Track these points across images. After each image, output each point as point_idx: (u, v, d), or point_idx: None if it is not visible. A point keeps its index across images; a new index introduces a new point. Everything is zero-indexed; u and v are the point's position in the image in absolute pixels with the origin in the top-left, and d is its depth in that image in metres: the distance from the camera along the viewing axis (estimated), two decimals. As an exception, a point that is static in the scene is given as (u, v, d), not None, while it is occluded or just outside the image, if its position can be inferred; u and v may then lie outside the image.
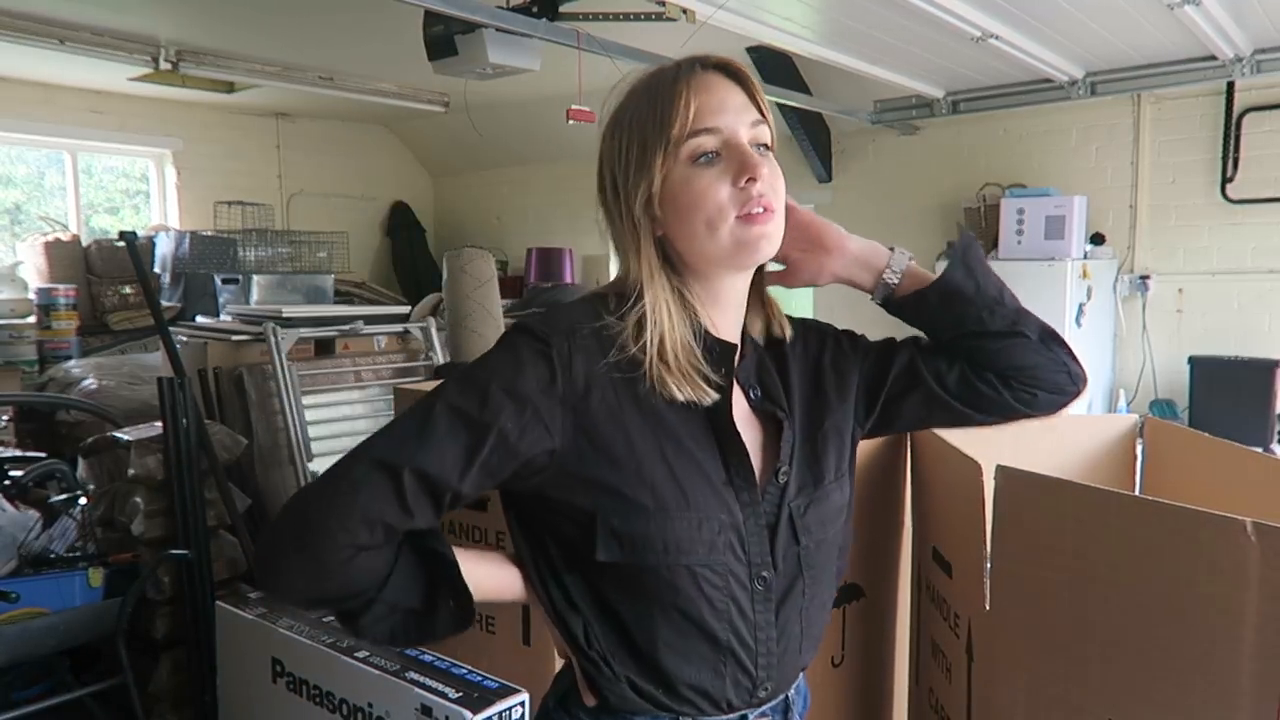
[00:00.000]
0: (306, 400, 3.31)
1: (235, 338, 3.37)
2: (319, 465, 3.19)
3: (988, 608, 1.21)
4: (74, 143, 6.14)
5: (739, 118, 0.88)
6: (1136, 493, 1.60)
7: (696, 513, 0.87)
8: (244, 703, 2.01)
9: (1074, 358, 1.03)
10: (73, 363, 4.14)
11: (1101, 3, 3.57)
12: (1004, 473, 1.09)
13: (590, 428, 0.86)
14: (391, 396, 2.91)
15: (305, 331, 3.43)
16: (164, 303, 5.19)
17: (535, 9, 3.50)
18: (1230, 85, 4.48)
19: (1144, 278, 4.87)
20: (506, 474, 0.86)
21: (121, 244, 3.03)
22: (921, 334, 1.08)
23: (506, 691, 1.53)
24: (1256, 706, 0.93)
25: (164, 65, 4.75)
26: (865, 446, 1.14)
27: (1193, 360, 4.51)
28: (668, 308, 0.89)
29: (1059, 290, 4.49)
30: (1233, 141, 4.55)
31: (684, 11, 3.35)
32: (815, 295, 6.03)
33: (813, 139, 5.68)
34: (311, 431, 3.25)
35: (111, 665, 2.42)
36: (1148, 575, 1.02)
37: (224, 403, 3.33)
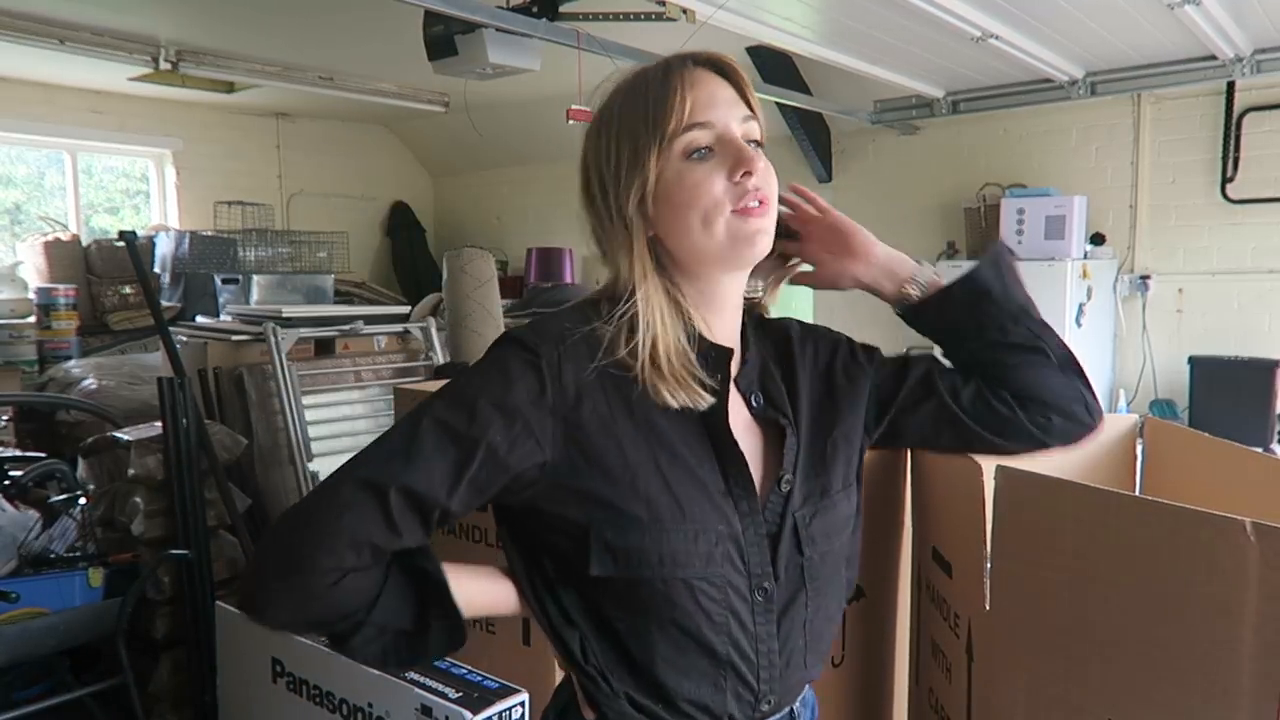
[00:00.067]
0: (306, 400, 3.31)
1: (235, 338, 3.37)
2: (319, 465, 3.19)
3: (988, 608, 1.21)
4: (74, 143, 6.14)
5: (730, 112, 0.87)
6: (1136, 493, 1.60)
7: (692, 524, 0.85)
8: (244, 703, 2.01)
9: (1092, 391, 1.00)
10: (73, 363, 4.14)
11: (1101, 3, 3.57)
12: (1004, 473, 1.09)
13: (582, 439, 0.84)
14: (391, 396, 2.91)
15: (305, 331, 3.43)
16: (164, 303, 5.19)
17: (535, 9, 3.50)
18: (1230, 85, 4.48)
19: (1144, 278, 4.87)
20: (496, 488, 0.84)
21: (121, 244, 3.03)
22: (937, 352, 1.06)
23: (506, 691, 1.53)
24: (1256, 706, 0.93)
25: (164, 65, 4.75)
26: (865, 446, 1.13)
27: (1193, 360, 4.51)
28: (660, 310, 0.87)
29: (1059, 290, 4.49)
30: (1233, 141, 4.55)
31: (684, 11, 3.36)
32: (815, 296, 6.03)
33: (813, 139, 5.68)
34: (311, 431, 3.25)
35: (111, 665, 2.42)
36: (1148, 575, 1.02)
37: (224, 403, 3.33)
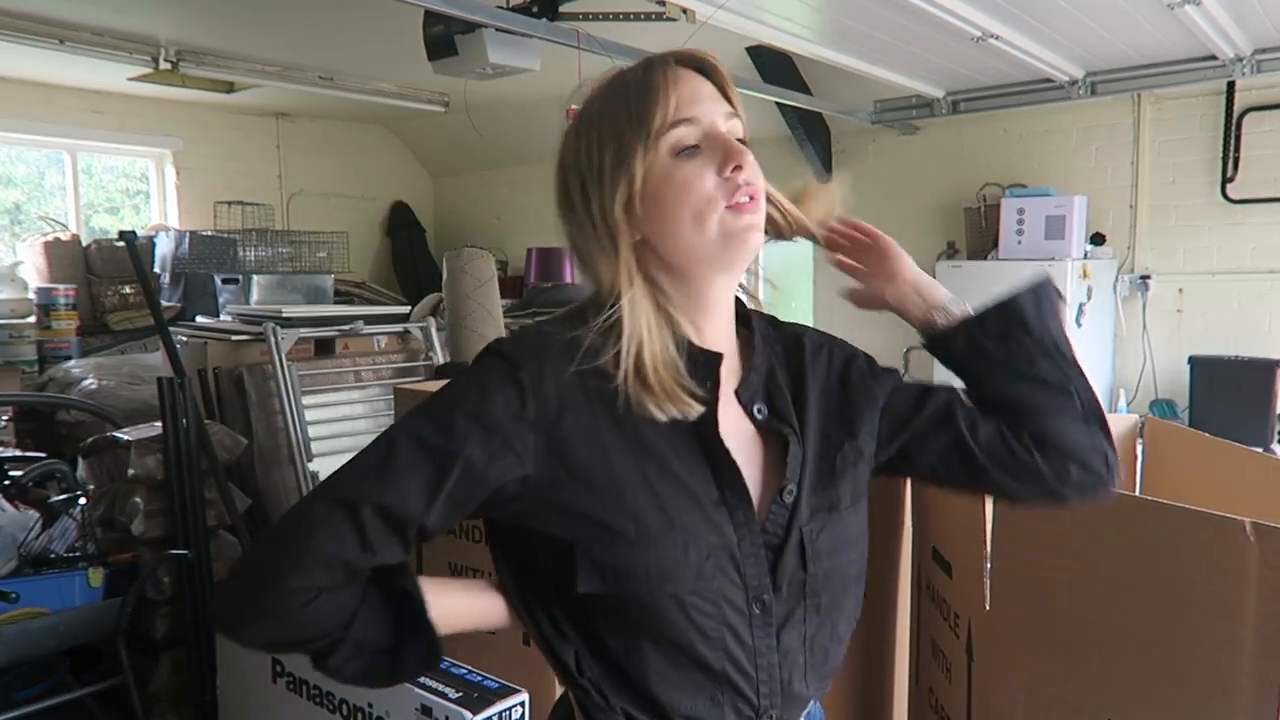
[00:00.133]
0: (306, 400, 3.31)
1: (235, 338, 3.37)
2: (319, 465, 3.19)
3: (988, 608, 1.21)
4: (74, 143, 6.13)
5: (715, 108, 0.86)
6: (1136, 493, 1.60)
7: (682, 536, 0.82)
8: (244, 703, 2.01)
9: (1113, 445, 0.95)
10: (73, 363, 4.14)
11: (1101, 3, 3.57)
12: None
13: (565, 452, 0.82)
14: (391, 396, 2.91)
15: (305, 331, 3.43)
16: (164, 303, 5.19)
17: (535, 9, 3.50)
18: (1230, 85, 4.48)
19: (1144, 278, 4.87)
20: (475, 504, 0.82)
21: (121, 244, 3.03)
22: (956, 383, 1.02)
23: (506, 691, 1.53)
24: (1256, 706, 0.93)
25: (164, 65, 4.74)
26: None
27: (1193, 360, 4.51)
28: (647, 318, 0.84)
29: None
30: (1233, 141, 4.55)
31: (684, 11, 3.35)
32: (815, 296, 6.04)
33: (813, 139, 5.67)
34: (311, 431, 3.25)
35: (111, 665, 2.42)
36: (1148, 575, 1.02)
37: (224, 403, 3.33)
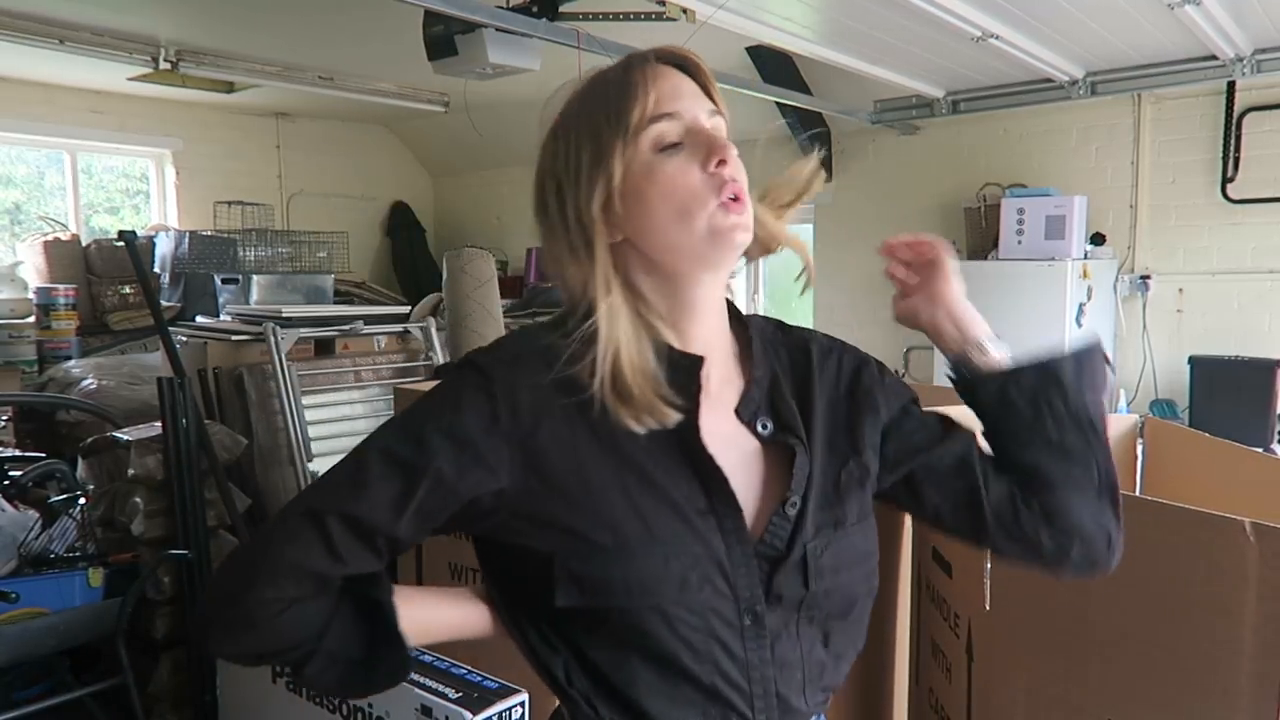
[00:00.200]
0: (306, 400, 3.32)
1: (235, 338, 3.37)
2: (319, 465, 3.19)
3: (988, 608, 1.21)
4: (74, 143, 6.14)
5: (697, 104, 0.84)
6: (1136, 493, 1.60)
7: (662, 547, 0.80)
8: (244, 703, 2.00)
9: (1120, 524, 0.91)
10: (73, 363, 4.14)
11: (1101, 3, 3.57)
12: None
13: (540, 464, 0.80)
14: (391, 396, 2.91)
15: (305, 331, 3.43)
16: (164, 303, 5.19)
17: (535, 9, 3.50)
18: (1230, 85, 4.48)
19: (1144, 278, 4.87)
20: (446, 516, 0.81)
21: (121, 244, 3.03)
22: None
23: (506, 691, 1.52)
24: (1256, 706, 0.93)
25: (164, 65, 4.75)
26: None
27: (1193, 360, 4.51)
28: (625, 326, 0.81)
29: (1059, 290, 4.49)
30: (1233, 141, 4.55)
31: (684, 11, 3.36)
32: (815, 296, 6.03)
33: (813, 139, 5.68)
34: (311, 431, 3.26)
35: (111, 665, 2.42)
36: (1148, 575, 1.02)
37: (224, 403, 3.33)
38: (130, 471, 2.56)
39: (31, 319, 5.08)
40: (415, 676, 1.60)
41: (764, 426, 0.88)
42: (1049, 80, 4.66)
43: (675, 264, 0.84)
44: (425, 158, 8.04)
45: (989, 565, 1.21)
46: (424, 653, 1.65)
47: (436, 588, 0.93)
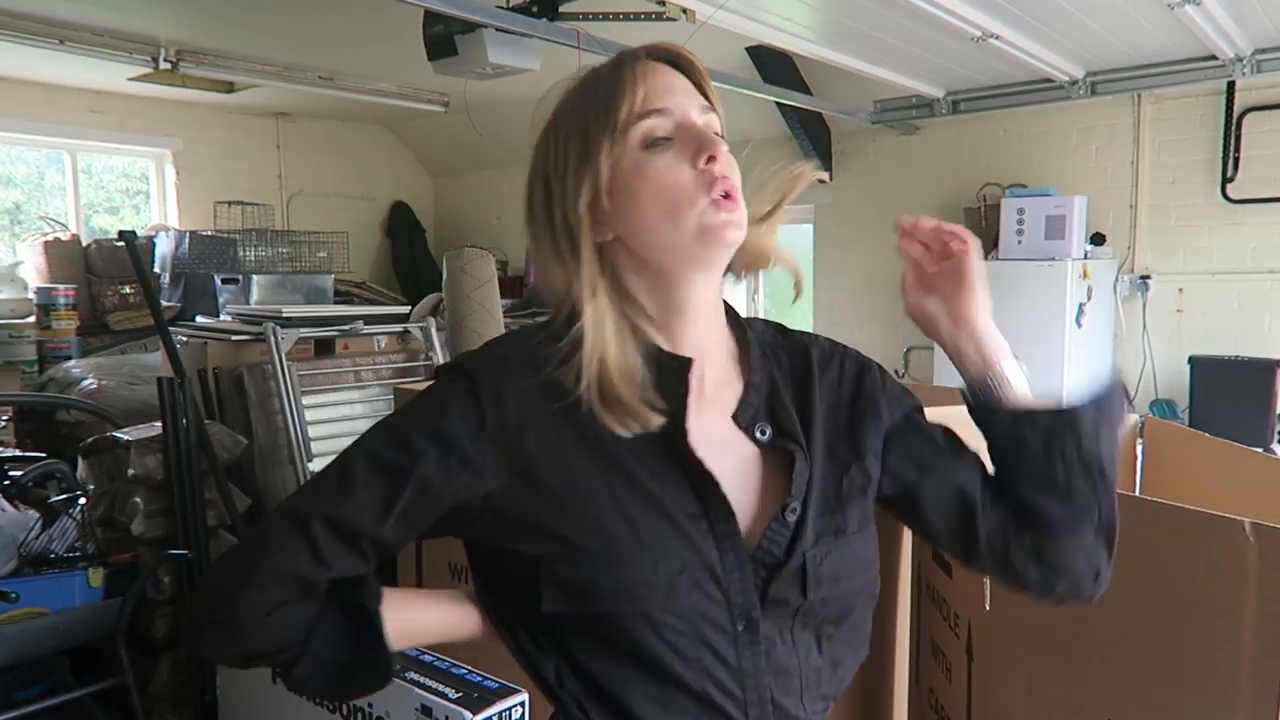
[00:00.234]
0: (306, 400, 3.31)
1: (235, 338, 3.37)
2: (319, 465, 3.19)
3: (988, 608, 1.21)
4: (74, 143, 6.14)
5: (688, 100, 0.82)
6: (1136, 493, 1.60)
7: (650, 552, 0.78)
8: (244, 703, 2.00)
9: (1111, 557, 0.89)
10: (73, 363, 4.14)
11: (1101, 3, 3.57)
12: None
13: (528, 468, 0.80)
14: (391, 396, 2.91)
15: (305, 331, 3.43)
16: (164, 303, 5.19)
17: (535, 9, 3.50)
18: (1230, 85, 4.48)
19: (1144, 278, 4.87)
20: (432, 520, 0.81)
21: (121, 244, 3.03)
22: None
23: (506, 692, 1.52)
24: (1256, 706, 0.93)
25: (164, 65, 4.75)
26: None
27: (1193, 360, 4.51)
28: (610, 329, 0.80)
29: (1059, 290, 4.49)
30: (1233, 141, 4.55)
31: (684, 11, 3.36)
32: (815, 296, 6.04)
33: (813, 139, 5.68)
34: (311, 431, 3.25)
35: (111, 665, 2.42)
36: (1147, 575, 1.02)
37: (224, 403, 3.33)
38: (130, 471, 2.56)
39: (31, 319, 5.09)
40: (415, 676, 1.60)
41: (762, 432, 0.86)
42: (1049, 80, 4.66)
43: (666, 263, 0.82)
44: (425, 158, 8.04)
45: (989, 565, 1.21)
46: (424, 653, 1.65)
47: (427, 590, 0.92)
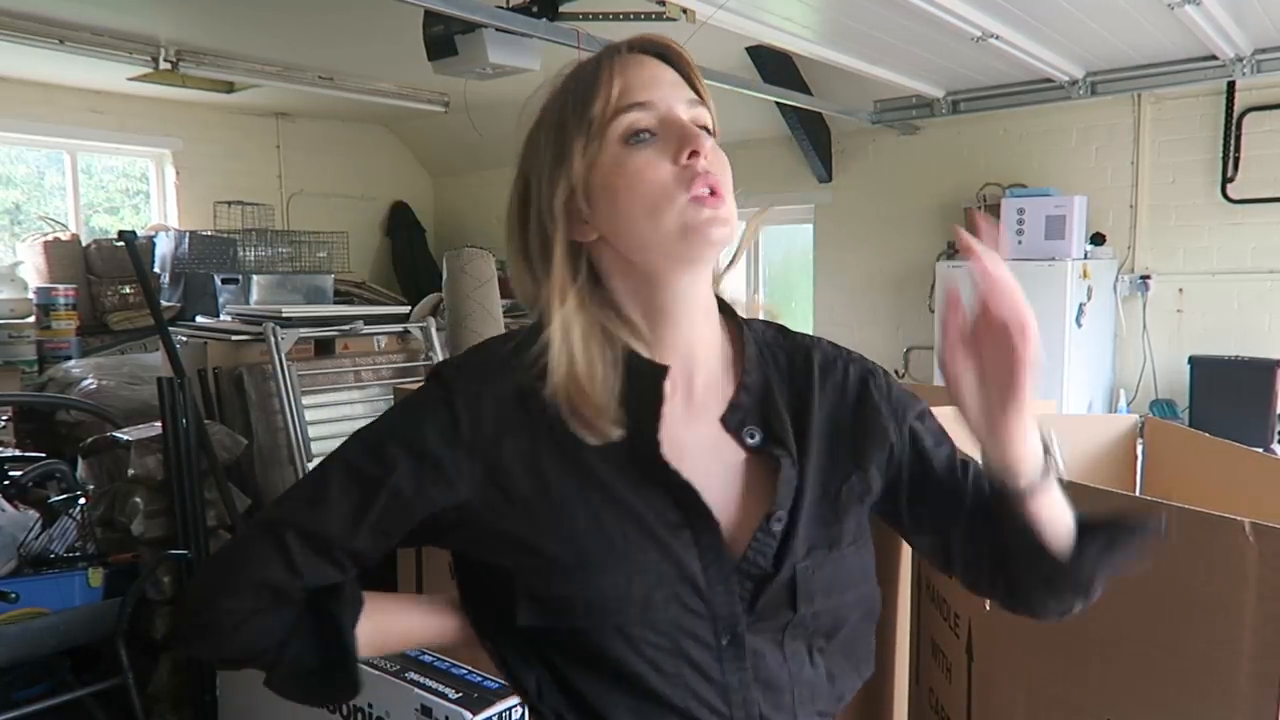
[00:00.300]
0: (306, 400, 3.31)
1: (235, 338, 3.37)
2: (319, 465, 3.19)
3: (988, 608, 1.21)
4: (74, 143, 6.14)
5: (674, 93, 0.79)
6: (1136, 493, 1.60)
7: (625, 564, 0.76)
8: (244, 703, 2.01)
9: (1087, 602, 0.85)
10: (72, 363, 4.14)
11: (1101, 3, 3.57)
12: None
13: (503, 478, 0.78)
14: (391, 396, 2.91)
15: (305, 331, 3.43)
16: (164, 303, 5.19)
17: (535, 9, 3.50)
18: (1230, 85, 4.48)
19: (1144, 278, 4.87)
20: (406, 531, 0.80)
21: (121, 244, 3.03)
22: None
23: (506, 692, 1.53)
24: (1256, 706, 0.93)
25: (164, 65, 4.75)
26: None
27: (1193, 360, 4.51)
28: (578, 333, 0.78)
29: (1059, 290, 4.49)
30: (1233, 141, 4.55)
31: (684, 11, 3.36)
32: (815, 296, 6.04)
33: (813, 139, 5.68)
34: (311, 431, 3.25)
35: (111, 665, 2.42)
36: (1147, 575, 1.02)
37: (224, 403, 3.33)
38: (130, 471, 2.56)
39: (31, 319, 5.09)
40: (415, 676, 1.60)
41: (751, 436, 0.82)
42: (1049, 80, 4.66)
43: (650, 262, 0.79)
44: (425, 158, 8.04)
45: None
46: (424, 653, 1.66)
47: (410, 595, 0.93)
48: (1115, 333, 4.99)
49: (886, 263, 5.68)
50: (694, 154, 0.76)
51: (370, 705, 1.65)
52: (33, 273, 5.46)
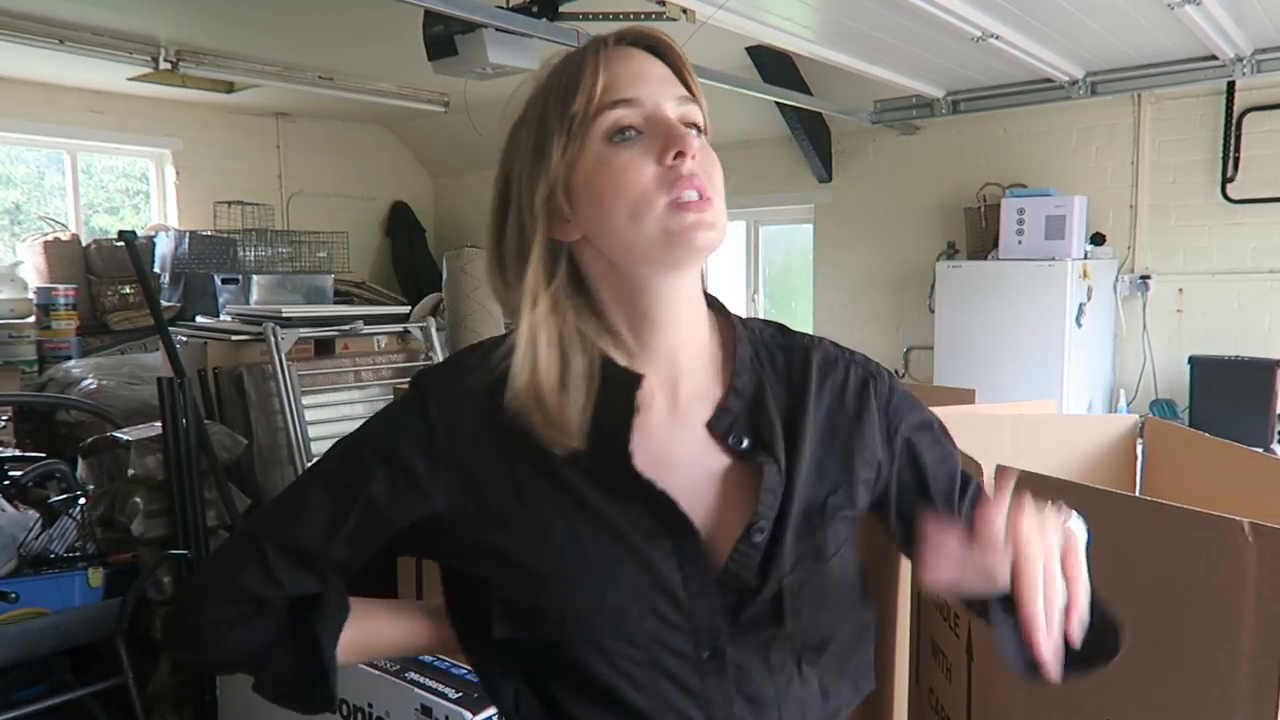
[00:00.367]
0: (306, 400, 3.32)
1: (235, 338, 3.37)
2: (319, 465, 3.19)
3: (987, 608, 1.21)
4: (74, 143, 6.14)
5: (662, 90, 0.76)
6: (1136, 493, 1.60)
7: (599, 576, 0.74)
8: (244, 703, 2.01)
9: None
10: (72, 363, 4.14)
11: (1101, 3, 3.57)
12: (1003, 471, 1.09)
13: (479, 488, 0.76)
14: (391, 397, 2.91)
15: (305, 331, 3.43)
16: (164, 303, 5.19)
17: (535, 9, 3.50)
18: (1230, 85, 4.48)
19: (1144, 278, 4.87)
20: (384, 541, 0.79)
21: (121, 244, 3.03)
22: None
23: (506, 691, 1.53)
24: (1255, 706, 0.93)
25: (164, 65, 4.75)
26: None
27: (1193, 360, 4.51)
28: (546, 339, 0.75)
29: (1059, 290, 4.49)
30: (1233, 141, 4.55)
31: (684, 11, 3.36)
32: (815, 296, 6.04)
33: (813, 139, 5.68)
34: (311, 431, 3.26)
35: (111, 665, 2.42)
36: (1146, 575, 1.02)
37: (224, 403, 3.33)
38: (130, 471, 2.56)
39: (31, 319, 5.09)
40: (415, 676, 1.60)
41: (739, 442, 0.79)
42: (1049, 80, 4.66)
43: (632, 265, 0.76)
44: (425, 158, 8.04)
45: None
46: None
47: (398, 602, 0.92)
48: (1115, 333, 4.99)
49: (886, 263, 5.68)
50: (680, 155, 0.73)
51: (370, 705, 1.65)
52: (33, 273, 5.46)
